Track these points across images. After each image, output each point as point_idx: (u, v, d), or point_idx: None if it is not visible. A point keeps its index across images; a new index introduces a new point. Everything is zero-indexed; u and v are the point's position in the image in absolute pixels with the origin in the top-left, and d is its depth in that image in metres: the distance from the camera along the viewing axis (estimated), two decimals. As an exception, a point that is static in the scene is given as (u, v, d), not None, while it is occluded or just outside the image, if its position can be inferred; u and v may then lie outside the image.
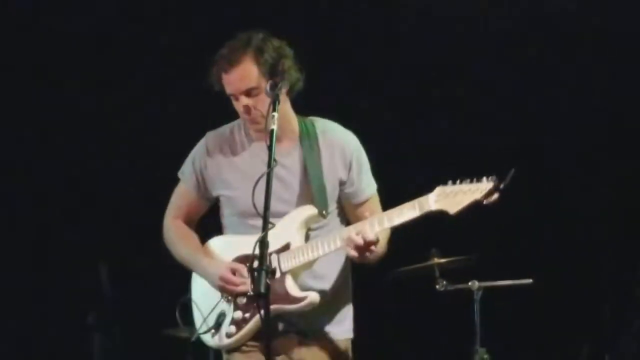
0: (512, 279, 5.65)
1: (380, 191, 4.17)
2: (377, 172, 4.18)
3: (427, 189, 3.78)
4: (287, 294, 3.92)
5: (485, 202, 3.65)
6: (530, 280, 5.61)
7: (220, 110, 4.15)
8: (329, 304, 4.07)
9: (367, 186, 4.12)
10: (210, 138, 4.18)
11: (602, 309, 6.33)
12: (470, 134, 6.49)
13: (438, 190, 3.74)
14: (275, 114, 3.76)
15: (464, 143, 6.43)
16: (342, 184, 4.08)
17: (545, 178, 6.56)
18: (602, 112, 6.47)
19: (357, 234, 3.83)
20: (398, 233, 4.05)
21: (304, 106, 4.14)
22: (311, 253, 3.93)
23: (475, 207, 3.67)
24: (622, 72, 6.35)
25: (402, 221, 3.81)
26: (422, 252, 5.68)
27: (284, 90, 3.93)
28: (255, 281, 3.53)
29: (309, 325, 4.04)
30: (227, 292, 4.01)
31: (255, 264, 3.57)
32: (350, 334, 4.16)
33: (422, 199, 3.77)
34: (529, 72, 6.49)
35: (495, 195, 3.64)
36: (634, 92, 6.36)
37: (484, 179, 3.67)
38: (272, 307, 3.72)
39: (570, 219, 6.46)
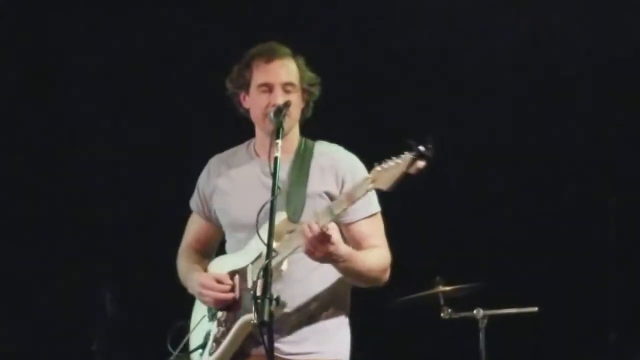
0: (517, 307, 5.64)
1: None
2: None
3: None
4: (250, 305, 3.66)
5: (411, 172, 3.51)
6: (536, 309, 5.60)
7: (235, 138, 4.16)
8: (311, 319, 3.91)
9: (361, 207, 3.87)
10: (213, 160, 4.18)
11: (609, 338, 6.29)
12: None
13: (374, 170, 3.60)
14: (279, 141, 3.74)
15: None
16: (332, 198, 3.89)
17: (550, 204, 6.54)
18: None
19: (307, 226, 3.66)
20: (402, 260, 4.03)
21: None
22: (276, 255, 3.69)
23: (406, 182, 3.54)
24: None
25: (344, 208, 3.66)
26: (426, 280, 5.66)
27: (301, 108, 3.98)
28: (259, 310, 3.48)
29: (287, 346, 3.87)
30: (205, 298, 3.93)
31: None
32: (340, 356, 3.94)
33: (360, 182, 3.64)
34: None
35: (421, 163, 3.48)
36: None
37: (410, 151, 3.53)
38: (239, 322, 3.80)
39: (576, 246, 6.43)
